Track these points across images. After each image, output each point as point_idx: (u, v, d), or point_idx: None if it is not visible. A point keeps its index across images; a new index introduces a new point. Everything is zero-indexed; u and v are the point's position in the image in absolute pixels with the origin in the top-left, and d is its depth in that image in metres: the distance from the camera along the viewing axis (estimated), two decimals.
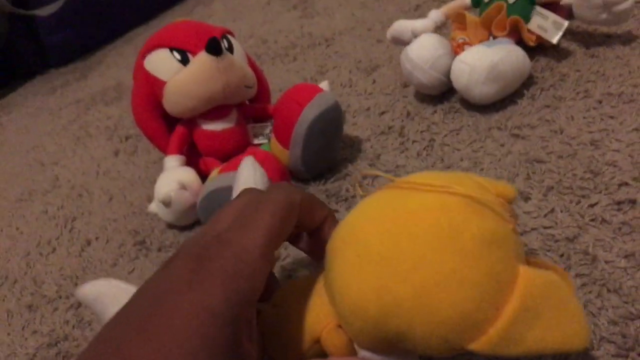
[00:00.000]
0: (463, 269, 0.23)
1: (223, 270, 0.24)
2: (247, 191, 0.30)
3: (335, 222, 0.32)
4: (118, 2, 1.36)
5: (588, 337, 0.24)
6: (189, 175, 0.54)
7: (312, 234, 0.33)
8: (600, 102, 0.49)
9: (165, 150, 0.58)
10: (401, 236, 0.25)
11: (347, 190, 0.52)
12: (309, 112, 0.50)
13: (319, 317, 0.29)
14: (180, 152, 0.57)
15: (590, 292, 0.34)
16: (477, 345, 0.23)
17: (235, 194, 0.39)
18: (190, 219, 0.55)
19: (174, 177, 0.53)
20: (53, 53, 1.33)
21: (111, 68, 1.20)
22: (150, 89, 0.56)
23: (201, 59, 0.52)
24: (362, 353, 0.28)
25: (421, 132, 0.56)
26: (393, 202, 0.28)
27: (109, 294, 0.33)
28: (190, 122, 0.57)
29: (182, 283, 0.23)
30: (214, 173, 0.53)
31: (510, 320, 0.23)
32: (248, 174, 0.41)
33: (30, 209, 0.73)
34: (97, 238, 0.61)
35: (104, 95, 1.05)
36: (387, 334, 0.25)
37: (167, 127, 0.59)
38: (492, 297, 0.23)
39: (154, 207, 0.56)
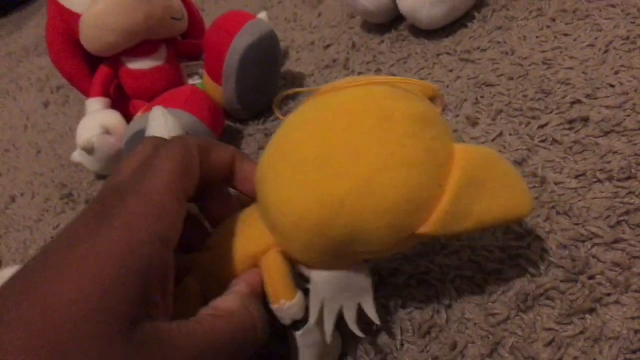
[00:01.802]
0: (401, 150, 0.22)
1: (125, 212, 0.21)
2: (147, 140, 0.27)
3: (245, 157, 0.29)
4: None
5: (532, 203, 0.24)
6: (113, 118, 0.49)
7: (225, 181, 0.29)
8: (554, 20, 0.45)
9: (88, 94, 0.53)
10: (332, 132, 0.23)
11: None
12: (241, 41, 0.45)
13: (257, 246, 0.26)
14: (105, 95, 0.52)
15: (538, 215, 0.31)
16: (427, 226, 0.22)
17: None
18: None
19: (97, 122, 0.48)
20: None
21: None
22: (65, 25, 0.50)
23: None
24: (313, 275, 0.26)
25: (367, 63, 0.51)
26: (317, 106, 0.25)
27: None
28: (115, 61, 0.51)
29: (83, 236, 0.20)
30: (139, 114, 0.48)
31: (455, 194, 0.22)
32: (158, 125, 0.37)
33: None
34: (22, 194, 0.56)
35: (37, 47, 0.97)
36: (335, 239, 0.23)
37: (91, 68, 0.53)
38: (434, 175, 0.22)
39: (77, 156, 0.51)
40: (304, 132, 0.24)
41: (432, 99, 0.28)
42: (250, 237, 0.27)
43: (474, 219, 0.23)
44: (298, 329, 0.25)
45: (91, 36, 0.48)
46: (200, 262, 0.27)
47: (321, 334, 0.26)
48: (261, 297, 0.25)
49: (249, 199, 0.29)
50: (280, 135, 0.26)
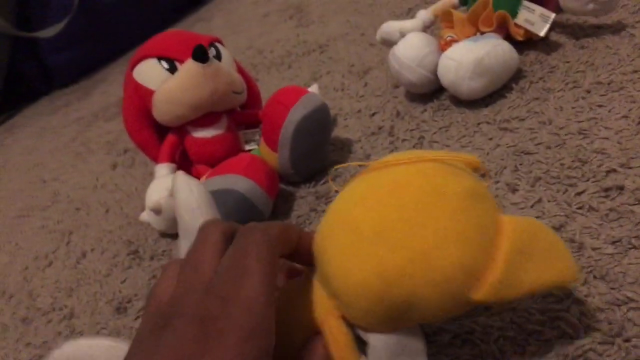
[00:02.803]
0: (454, 226, 0.24)
1: (234, 328, 0.22)
2: (213, 226, 0.28)
3: (303, 232, 0.30)
4: (119, 21, 1.38)
5: (577, 270, 0.26)
6: None
7: (291, 255, 0.30)
8: (589, 91, 0.48)
9: (156, 160, 0.58)
10: (388, 209, 0.26)
11: (337, 191, 0.51)
12: (295, 113, 0.50)
13: (318, 312, 0.28)
14: (171, 161, 0.57)
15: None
16: (481, 293, 0.24)
17: (178, 218, 0.36)
18: None
19: (164, 185, 0.53)
20: (57, 74, 1.35)
21: (113, 85, 1.22)
22: (139, 99, 0.56)
23: (188, 67, 0.52)
24: (371, 339, 0.27)
25: (411, 130, 0.55)
26: (372, 181, 0.28)
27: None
28: (181, 130, 0.57)
29: (193, 348, 0.21)
30: (202, 179, 0.53)
31: (505, 263, 0.24)
32: (185, 196, 0.37)
33: (29, 225, 0.74)
34: (92, 250, 0.62)
35: (105, 112, 1.06)
36: (393, 306, 0.25)
37: (159, 136, 0.59)
38: (485, 247, 0.25)
39: (145, 216, 0.56)
40: (362, 207, 0.27)
41: (476, 170, 0.31)
42: (310, 304, 0.29)
43: (525, 287, 0.25)
44: None
45: (163, 110, 0.54)
46: None
47: None
48: None
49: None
50: (338, 209, 0.29)
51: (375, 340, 0.27)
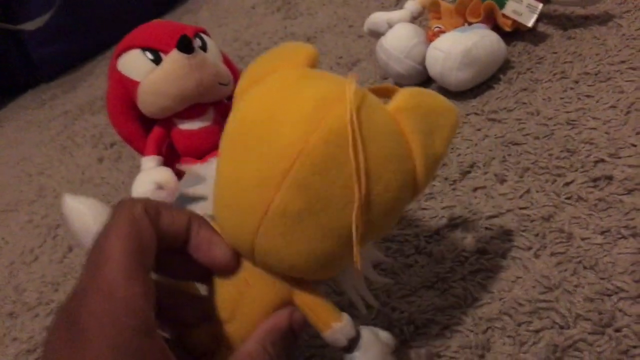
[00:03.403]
0: None
1: (95, 321, 0.20)
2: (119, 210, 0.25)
3: (203, 223, 0.27)
4: (105, 13, 1.35)
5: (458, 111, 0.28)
6: (165, 175, 0.53)
7: (183, 248, 0.27)
8: (577, 82, 0.48)
9: (143, 152, 0.57)
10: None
11: None
12: None
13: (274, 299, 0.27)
14: (158, 153, 0.56)
15: (565, 270, 0.33)
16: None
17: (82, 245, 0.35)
18: None
19: (150, 178, 0.53)
20: (42, 67, 1.33)
21: (99, 78, 1.20)
22: (124, 91, 0.55)
23: (173, 57, 0.51)
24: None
25: None
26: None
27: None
28: (167, 122, 0.56)
29: (65, 354, 0.20)
30: (188, 171, 0.52)
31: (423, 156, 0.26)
32: (79, 222, 0.35)
33: (16, 219, 0.73)
34: (78, 244, 0.61)
35: (91, 105, 1.05)
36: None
37: (145, 128, 0.58)
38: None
39: None
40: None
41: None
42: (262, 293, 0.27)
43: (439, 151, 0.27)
44: (353, 351, 0.26)
45: (148, 101, 0.53)
46: (228, 335, 0.27)
47: (379, 346, 0.27)
48: (283, 335, 0.26)
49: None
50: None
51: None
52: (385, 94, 0.28)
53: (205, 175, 0.42)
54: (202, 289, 0.29)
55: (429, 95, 0.28)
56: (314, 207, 0.23)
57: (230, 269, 0.27)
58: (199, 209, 0.33)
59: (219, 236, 0.27)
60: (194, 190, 0.38)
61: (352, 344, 0.26)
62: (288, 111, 0.24)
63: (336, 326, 0.26)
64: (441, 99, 0.28)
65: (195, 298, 0.28)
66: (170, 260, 0.27)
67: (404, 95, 0.26)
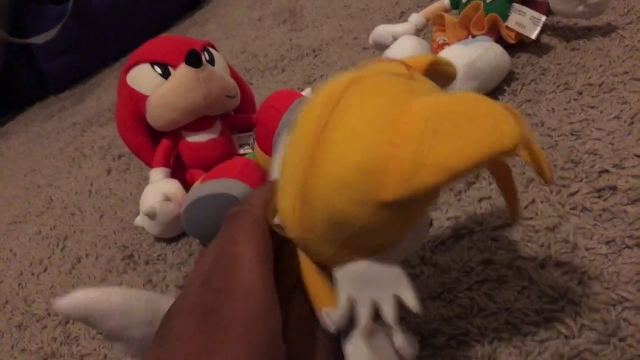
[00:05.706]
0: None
1: (236, 319, 0.22)
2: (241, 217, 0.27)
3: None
4: (113, 26, 1.37)
5: (516, 133, 0.19)
6: (173, 186, 0.54)
7: None
8: (580, 93, 0.49)
9: (151, 164, 0.58)
10: None
11: None
12: (288, 117, 0.50)
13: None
14: (165, 165, 0.57)
15: (571, 280, 0.33)
16: (388, 191, 0.20)
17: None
18: (176, 231, 0.55)
19: (158, 190, 0.53)
20: (51, 79, 1.35)
21: (107, 90, 1.22)
22: (133, 104, 0.56)
23: (181, 71, 0.52)
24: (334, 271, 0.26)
25: None
26: None
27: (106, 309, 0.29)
28: (175, 134, 0.57)
29: (198, 344, 0.21)
30: (196, 183, 0.53)
31: (407, 151, 0.20)
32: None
33: (24, 231, 0.74)
34: (87, 255, 0.61)
35: (99, 117, 1.06)
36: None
37: (153, 141, 0.59)
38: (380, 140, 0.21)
39: (140, 220, 0.56)
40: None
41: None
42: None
43: (440, 165, 0.20)
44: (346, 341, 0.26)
45: (157, 114, 0.54)
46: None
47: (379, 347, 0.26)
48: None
49: None
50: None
51: (338, 272, 0.25)
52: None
53: None
54: None
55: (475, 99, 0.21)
56: None
57: None
58: None
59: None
60: None
61: (344, 333, 0.26)
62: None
63: (326, 311, 0.25)
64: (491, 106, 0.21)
65: None
66: None
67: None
